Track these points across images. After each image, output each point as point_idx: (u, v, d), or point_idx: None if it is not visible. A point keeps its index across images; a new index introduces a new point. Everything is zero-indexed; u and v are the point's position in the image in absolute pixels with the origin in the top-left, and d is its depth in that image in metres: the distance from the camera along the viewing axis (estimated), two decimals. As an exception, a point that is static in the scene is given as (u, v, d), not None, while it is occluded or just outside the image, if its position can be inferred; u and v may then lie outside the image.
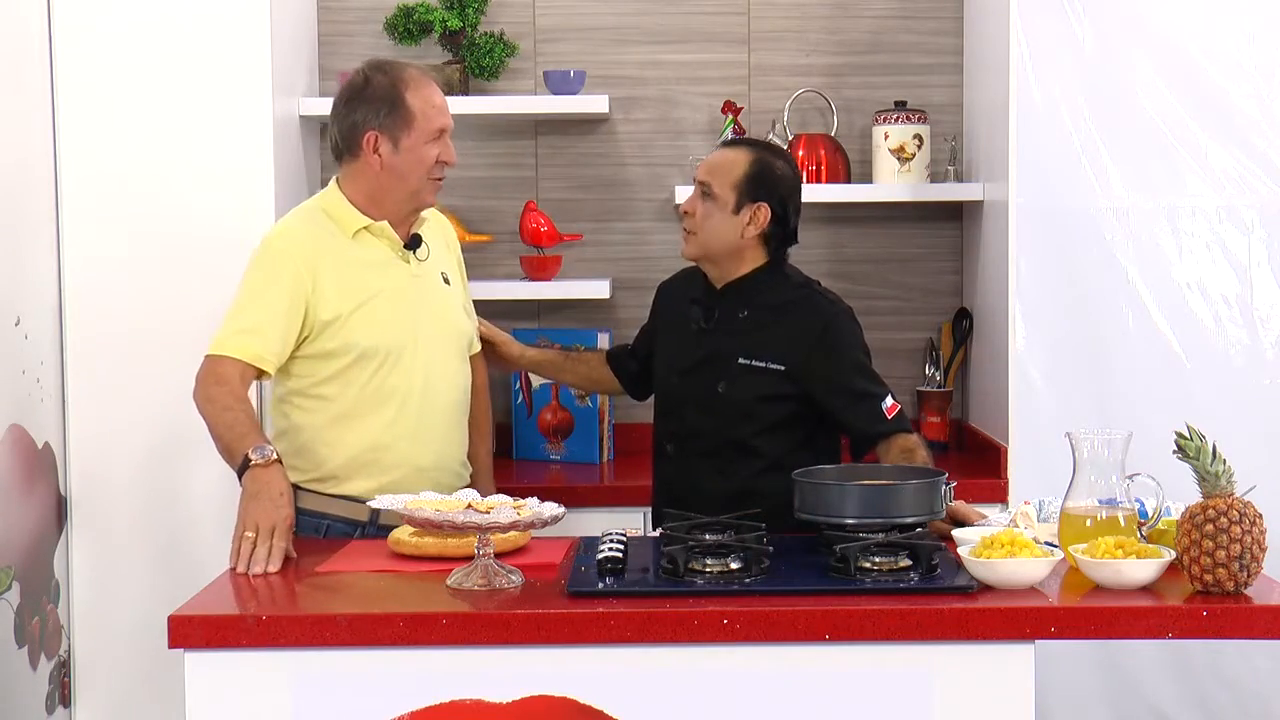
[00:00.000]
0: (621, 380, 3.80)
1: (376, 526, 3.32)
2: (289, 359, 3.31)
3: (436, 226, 3.56)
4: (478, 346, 3.66)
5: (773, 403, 3.43)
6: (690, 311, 3.52)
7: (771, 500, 3.20)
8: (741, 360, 3.43)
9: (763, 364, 3.42)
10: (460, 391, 3.49)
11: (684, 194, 4.38)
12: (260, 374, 3.28)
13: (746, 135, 4.21)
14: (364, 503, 3.25)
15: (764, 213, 3.43)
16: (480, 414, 3.64)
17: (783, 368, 3.42)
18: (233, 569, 2.99)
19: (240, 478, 3.10)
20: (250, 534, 2.99)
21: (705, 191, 3.44)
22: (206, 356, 3.26)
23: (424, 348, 3.38)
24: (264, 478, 3.06)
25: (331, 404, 3.34)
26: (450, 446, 3.46)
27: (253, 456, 3.08)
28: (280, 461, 3.11)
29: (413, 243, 3.43)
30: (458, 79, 4.40)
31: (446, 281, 3.50)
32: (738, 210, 3.42)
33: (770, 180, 3.44)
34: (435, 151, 3.36)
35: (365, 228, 3.36)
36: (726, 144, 3.63)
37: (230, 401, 3.19)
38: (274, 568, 2.97)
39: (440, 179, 3.41)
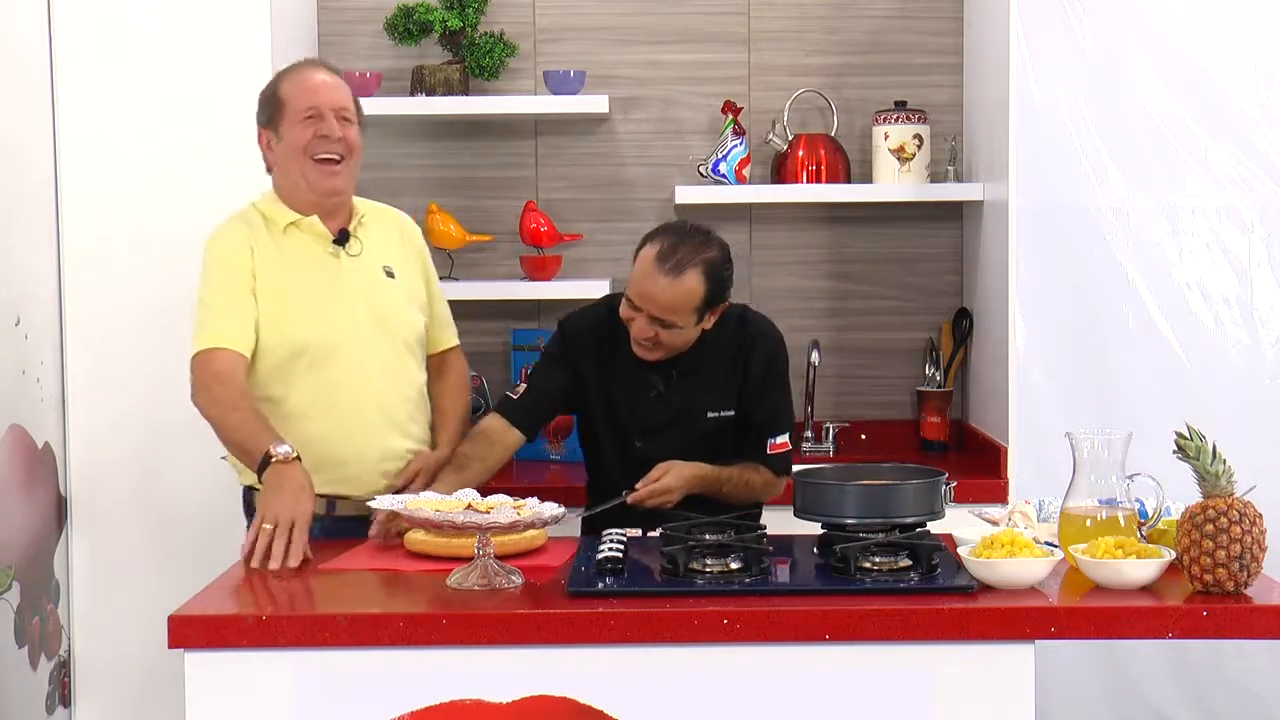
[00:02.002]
0: (529, 430, 3.51)
1: (334, 519, 3.34)
2: None
3: (388, 221, 3.53)
4: (451, 343, 3.62)
5: (735, 436, 3.49)
6: (645, 376, 3.44)
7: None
8: (710, 414, 3.46)
9: (730, 413, 3.47)
10: (408, 383, 3.46)
11: (684, 194, 4.40)
12: (246, 362, 3.28)
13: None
14: (321, 496, 3.25)
15: (722, 306, 3.42)
16: (449, 409, 3.57)
17: (735, 411, 3.48)
18: (247, 560, 3.00)
19: (260, 474, 3.11)
20: (269, 526, 2.99)
21: (664, 323, 3.33)
22: (195, 356, 3.26)
23: (362, 343, 3.37)
24: (286, 473, 3.07)
25: (279, 405, 3.34)
26: (400, 438, 3.43)
27: (274, 453, 3.09)
28: (300, 458, 3.12)
29: (341, 237, 3.40)
30: (458, 79, 4.40)
31: (390, 275, 3.45)
32: (700, 321, 3.38)
33: (721, 283, 3.36)
34: (309, 130, 3.32)
35: (294, 223, 3.37)
36: (667, 268, 3.28)
37: (236, 399, 3.20)
38: (294, 562, 2.97)
39: (328, 160, 3.33)
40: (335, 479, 3.32)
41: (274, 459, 3.08)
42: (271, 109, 3.37)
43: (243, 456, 3.20)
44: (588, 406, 3.52)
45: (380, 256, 3.45)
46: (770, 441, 3.48)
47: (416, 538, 3.07)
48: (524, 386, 3.50)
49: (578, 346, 3.50)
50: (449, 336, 3.64)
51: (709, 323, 3.40)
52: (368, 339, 3.38)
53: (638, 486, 3.33)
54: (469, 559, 2.86)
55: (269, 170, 3.44)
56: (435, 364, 3.60)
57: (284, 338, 3.31)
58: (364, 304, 3.38)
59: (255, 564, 2.97)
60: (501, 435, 3.45)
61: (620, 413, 3.47)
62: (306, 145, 3.33)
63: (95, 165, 3.93)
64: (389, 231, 3.51)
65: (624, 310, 3.37)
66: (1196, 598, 2.69)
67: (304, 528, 3.02)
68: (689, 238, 3.35)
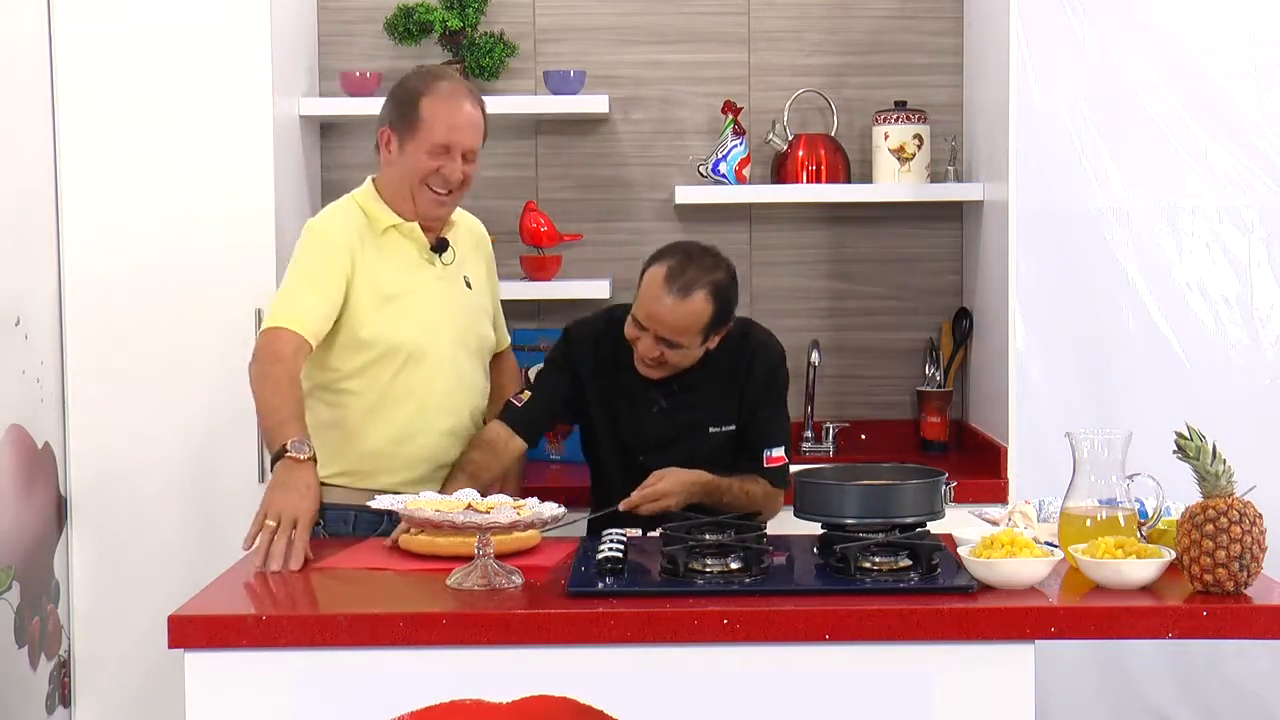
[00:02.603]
0: (532, 438, 3.53)
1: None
2: (318, 348, 3.33)
3: (467, 229, 3.59)
4: (507, 343, 3.71)
5: (733, 447, 3.50)
6: (647, 392, 3.45)
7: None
8: (712, 429, 3.47)
9: (732, 428, 3.48)
10: (479, 394, 3.52)
11: (684, 194, 4.40)
12: (310, 350, 3.29)
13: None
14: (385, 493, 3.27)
15: (727, 327, 3.42)
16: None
17: (736, 426, 3.48)
18: (247, 551, 2.99)
19: (273, 465, 3.12)
20: (271, 522, 2.99)
21: (670, 343, 3.35)
22: (263, 330, 3.27)
23: (445, 349, 3.41)
24: (296, 471, 3.07)
25: (357, 398, 3.37)
26: (462, 446, 3.47)
27: (289, 450, 3.09)
28: (315, 460, 3.12)
29: (439, 246, 3.46)
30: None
31: (469, 285, 3.52)
32: (705, 341, 3.39)
33: (728, 304, 3.38)
34: (433, 164, 3.36)
35: (394, 226, 3.40)
36: (675, 289, 3.30)
37: (284, 383, 3.20)
38: (295, 564, 2.96)
39: (440, 194, 3.39)
40: (400, 482, 3.35)
41: (288, 454, 3.08)
42: (405, 118, 3.37)
43: (265, 439, 3.22)
44: (589, 416, 3.53)
45: (462, 266, 3.51)
46: (767, 454, 3.48)
47: (416, 537, 3.06)
48: (528, 394, 3.50)
49: (580, 354, 3.51)
50: (505, 337, 3.72)
51: (714, 343, 3.41)
52: (452, 347, 3.43)
53: (633, 494, 3.34)
54: (469, 559, 2.86)
55: (379, 160, 3.45)
56: (493, 364, 3.64)
57: (381, 336, 3.34)
58: (451, 313, 3.44)
59: (256, 563, 2.97)
60: (506, 443, 3.46)
61: (624, 428, 3.48)
62: (426, 175, 3.37)
63: (95, 166, 3.92)
64: (467, 240, 3.57)
65: (629, 329, 3.38)
66: (1196, 598, 2.69)
67: (306, 527, 3.02)
68: (697, 259, 3.36)
